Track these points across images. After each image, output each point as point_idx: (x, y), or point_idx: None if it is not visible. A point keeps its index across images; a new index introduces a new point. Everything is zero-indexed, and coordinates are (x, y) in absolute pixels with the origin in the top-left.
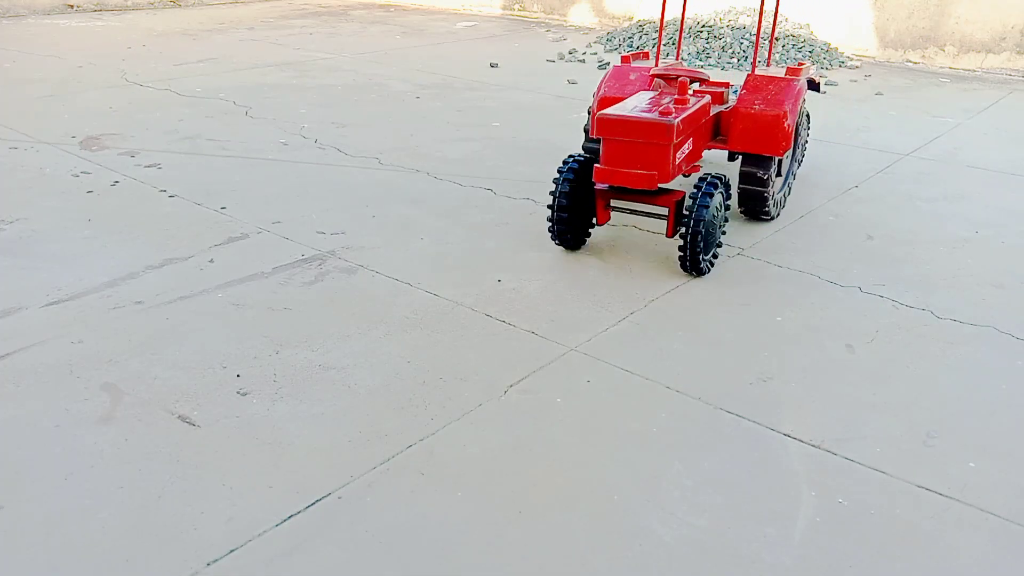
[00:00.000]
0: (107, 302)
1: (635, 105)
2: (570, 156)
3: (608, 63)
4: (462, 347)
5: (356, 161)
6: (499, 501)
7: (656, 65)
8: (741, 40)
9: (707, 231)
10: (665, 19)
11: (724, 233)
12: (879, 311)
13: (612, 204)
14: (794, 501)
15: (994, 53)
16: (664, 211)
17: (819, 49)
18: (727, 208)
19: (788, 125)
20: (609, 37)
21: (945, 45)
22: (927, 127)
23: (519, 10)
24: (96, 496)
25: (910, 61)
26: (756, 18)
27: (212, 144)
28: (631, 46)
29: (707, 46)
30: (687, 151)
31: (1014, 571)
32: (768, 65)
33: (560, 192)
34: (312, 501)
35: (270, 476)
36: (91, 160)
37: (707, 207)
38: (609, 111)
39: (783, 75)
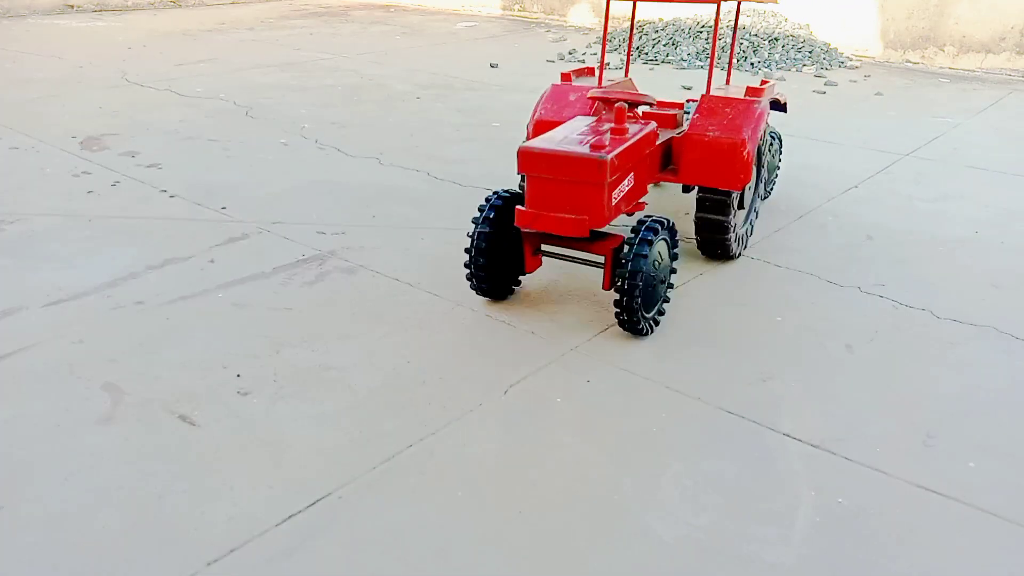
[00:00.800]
0: (107, 302)
1: (565, 136)
2: (494, 192)
3: (608, 63)
4: (462, 347)
5: (356, 161)
6: (499, 501)
7: (600, 84)
8: (741, 40)
9: (646, 285)
10: (663, 20)
11: (671, 287)
12: (879, 311)
13: (544, 249)
14: (794, 501)
15: (994, 53)
16: (601, 259)
17: (819, 49)
18: (674, 257)
19: (747, 154)
20: (609, 37)
21: (945, 45)
22: (927, 127)
23: (519, 10)
24: (96, 496)
25: (910, 61)
26: (755, 19)
27: (212, 144)
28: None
29: (707, 46)
30: (627, 188)
31: (1014, 571)
32: (727, 83)
33: (479, 235)
34: (312, 501)
35: (270, 476)
36: (91, 160)
37: (645, 256)
38: (533, 143)
39: (742, 95)
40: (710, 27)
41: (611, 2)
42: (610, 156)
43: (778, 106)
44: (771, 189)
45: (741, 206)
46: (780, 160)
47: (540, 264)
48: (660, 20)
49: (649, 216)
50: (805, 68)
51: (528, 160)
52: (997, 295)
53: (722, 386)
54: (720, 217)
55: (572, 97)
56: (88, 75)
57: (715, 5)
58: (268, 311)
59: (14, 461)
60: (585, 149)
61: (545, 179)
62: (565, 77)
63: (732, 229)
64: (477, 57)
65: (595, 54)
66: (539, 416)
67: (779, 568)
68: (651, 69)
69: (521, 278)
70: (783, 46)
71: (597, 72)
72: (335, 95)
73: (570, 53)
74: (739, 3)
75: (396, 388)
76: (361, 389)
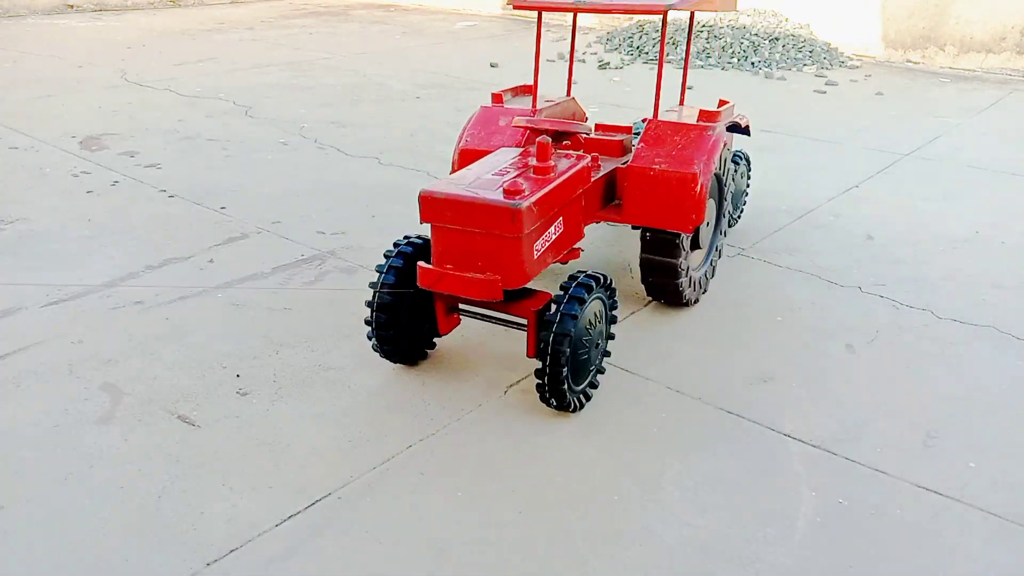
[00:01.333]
0: (107, 302)
1: (478, 176)
2: (405, 237)
3: (608, 63)
4: (462, 347)
5: (356, 161)
6: (499, 501)
7: (534, 108)
8: (741, 40)
9: (575, 353)
10: (646, 19)
11: (608, 354)
12: (879, 311)
13: (461, 308)
14: (794, 501)
15: (994, 53)
16: (524, 322)
17: (819, 49)
18: (612, 320)
19: (700, 189)
20: (609, 37)
21: (945, 45)
22: (927, 127)
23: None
24: (96, 496)
25: (910, 61)
26: (756, 18)
27: (212, 144)
28: (631, 46)
29: (707, 46)
30: (555, 235)
31: (1014, 571)
32: (681, 104)
33: (382, 286)
34: (312, 501)
35: (270, 476)
36: (91, 160)
37: (575, 318)
38: (436, 187)
39: (695, 120)
40: (710, 27)
41: (541, 13)
42: (526, 204)
43: (739, 129)
44: (739, 216)
45: (697, 245)
46: (749, 183)
47: (457, 323)
48: (660, 20)
49: (581, 272)
50: (806, 68)
51: (430, 207)
52: (997, 295)
53: (722, 386)
54: (669, 259)
55: (502, 122)
56: (87, 75)
57: (661, 16)
58: (267, 311)
59: (14, 461)
60: (498, 195)
61: (452, 230)
62: (496, 98)
63: (684, 273)
64: (477, 57)
65: (595, 54)
66: (539, 416)
67: (779, 568)
68: (651, 69)
69: (436, 340)
70: (783, 46)
71: (540, 91)
72: (335, 95)
73: None
74: (691, 14)
75: (396, 388)
76: (361, 389)
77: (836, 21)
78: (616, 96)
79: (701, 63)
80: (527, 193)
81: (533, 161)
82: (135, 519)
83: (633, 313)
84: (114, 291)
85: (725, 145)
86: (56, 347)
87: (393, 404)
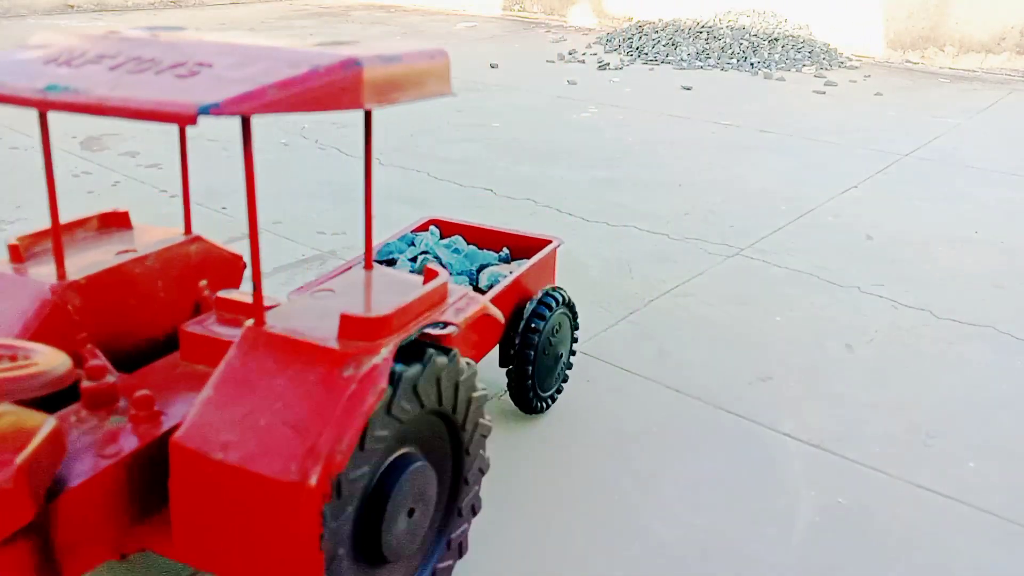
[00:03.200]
0: None
1: None
2: None
3: (607, 64)
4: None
5: (356, 161)
6: (499, 501)
7: (61, 273)
8: (740, 41)
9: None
10: (662, 20)
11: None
12: (879, 311)
13: None
14: (794, 501)
15: (994, 53)
16: None
17: (819, 49)
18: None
19: (304, 516)
20: (609, 38)
21: (945, 45)
22: (927, 127)
23: (519, 11)
24: None
25: (910, 61)
26: (755, 19)
27: (212, 144)
28: (631, 47)
29: (707, 47)
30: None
31: (1014, 571)
32: (367, 264)
33: None
34: None
35: None
36: (92, 160)
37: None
38: None
39: (332, 338)
40: (710, 27)
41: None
42: None
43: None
44: (559, 392)
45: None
46: (576, 337)
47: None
48: (660, 20)
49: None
50: (805, 68)
51: None
52: (997, 295)
53: (722, 386)
54: None
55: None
56: None
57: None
58: None
59: None
60: None
61: None
62: (13, 253)
63: None
64: (477, 57)
65: (595, 54)
66: (539, 416)
67: (779, 568)
68: (651, 69)
69: None
70: (783, 46)
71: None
72: None
73: (570, 53)
74: (369, 114)
75: None
76: None
77: (835, 22)
78: (616, 97)
79: (701, 64)
80: None
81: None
82: None
83: (632, 313)
84: None
85: (382, 396)
86: None
87: None
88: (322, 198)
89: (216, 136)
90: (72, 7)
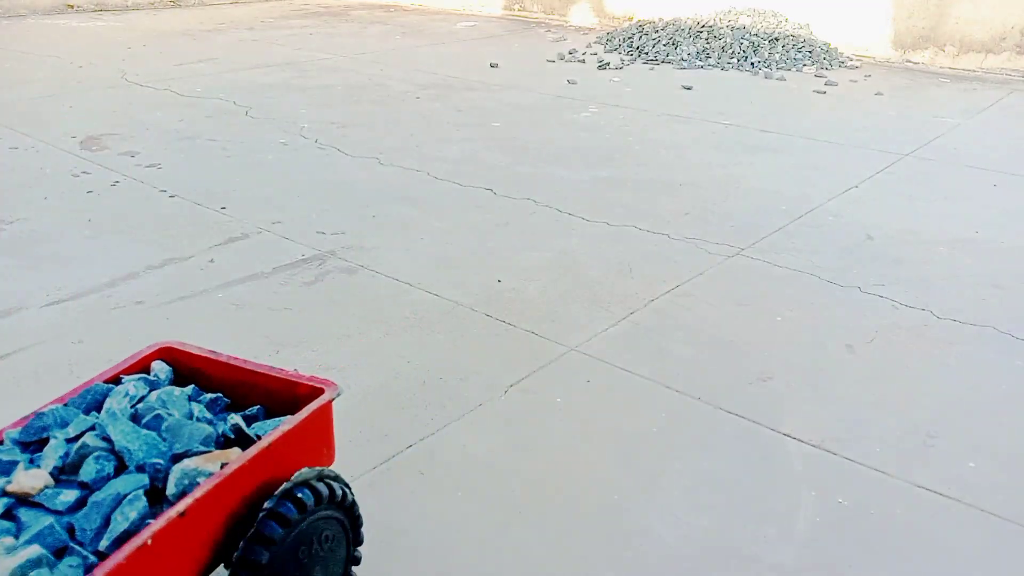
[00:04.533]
0: (107, 302)
1: None
2: None
3: (607, 63)
4: (462, 347)
5: (356, 161)
6: (499, 501)
7: None
8: (741, 40)
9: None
10: (663, 20)
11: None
12: (879, 311)
13: None
14: (794, 501)
15: (994, 53)
16: None
17: (819, 49)
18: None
19: None
20: (609, 37)
21: (945, 45)
22: (928, 127)
23: (519, 10)
24: None
25: (910, 61)
26: (755, 19)
27: (212, 144)
28: (631, 46)
29: (707, 46)
30: None
31: (1014, 571)
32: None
33: None
34: None
35: None
36: (91, 160)
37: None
38: None
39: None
40: (710, 27)
41: None
42: None
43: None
44: None
45: None
46: (357, 556)
47: None
48: (660, 20)
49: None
50: (805, 68)
51: None
52: (997, 295)
53: (722, 386)
54: None
55: None
56: (88, 75)
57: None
58: (268, 311)
59: None
60: None
61: None
62: None
63: None
64: (477, 57)
65: (595, 54)
66: (539, 416)
67: (779, 568)
68: (651, 69)
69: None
70: (783, 46)
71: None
72: (335, 95)
73: (570, 53)
74: None
75: (396, 388)
76: (361, 389)
77: (836, 21)
78: (616, 96)
79: (701, 63)
80: None
81: None
82: None
83: (633, 313)
84: (114, 291)
85: None
86: (56, 347)
87: (393, 404)
88: (322, 198)
89: (216, 136)
90: (72, 7)
